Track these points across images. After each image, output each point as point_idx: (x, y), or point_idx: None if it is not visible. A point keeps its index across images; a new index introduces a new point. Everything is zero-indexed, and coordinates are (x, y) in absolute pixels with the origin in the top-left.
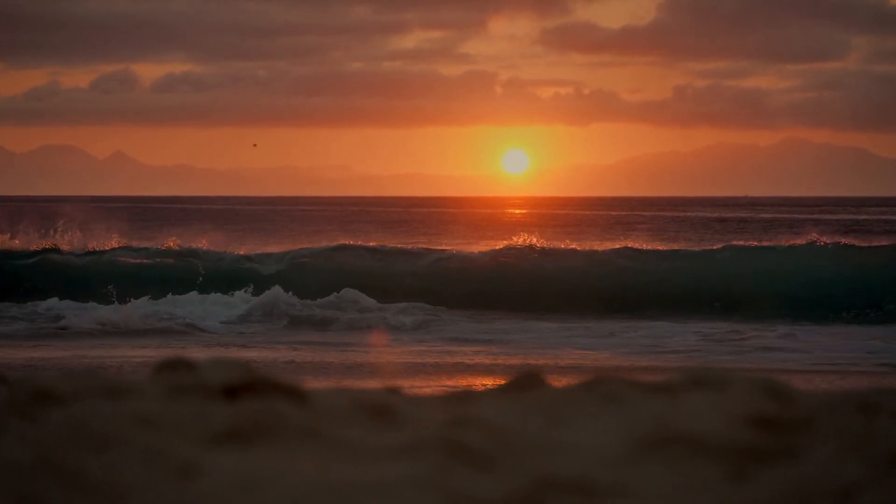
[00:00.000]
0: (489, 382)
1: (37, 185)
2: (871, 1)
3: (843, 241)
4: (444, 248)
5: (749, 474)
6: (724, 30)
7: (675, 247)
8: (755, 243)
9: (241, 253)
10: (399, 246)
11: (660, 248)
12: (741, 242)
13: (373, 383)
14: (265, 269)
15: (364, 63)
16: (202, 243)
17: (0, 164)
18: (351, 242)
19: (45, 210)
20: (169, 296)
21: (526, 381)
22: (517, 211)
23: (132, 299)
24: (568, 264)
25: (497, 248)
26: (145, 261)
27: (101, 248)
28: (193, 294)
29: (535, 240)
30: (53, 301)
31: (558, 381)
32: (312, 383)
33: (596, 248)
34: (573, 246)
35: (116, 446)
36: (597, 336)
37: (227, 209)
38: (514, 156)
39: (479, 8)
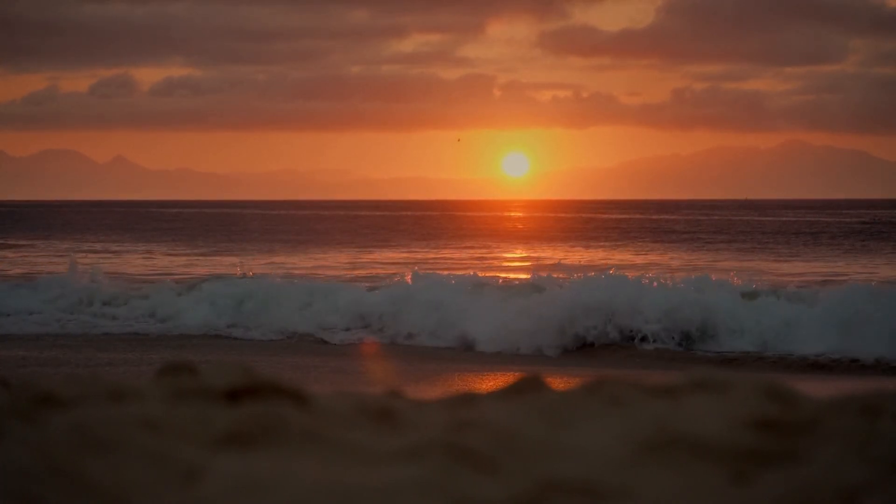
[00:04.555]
0: (492, 385)
1: (38, 189)
2: (869, 3)
3: None
4: None
5: (752, 477)
6: (722, 32)
7: None
8: None
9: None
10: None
11: None
12: None
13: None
14: None
15: (363, 67)
16: None
17: (1, 169)
18: None
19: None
20: None
21: (528, 384)
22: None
23: None
24: None
25: None
26: None
27: None
28: None
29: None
30: None
31: (560, 384)
32: (314, 386)
33: None
34: None
35: (119, 450)
36: None
37: (240, 214)
38: (514, 159)
39: (477, 11)
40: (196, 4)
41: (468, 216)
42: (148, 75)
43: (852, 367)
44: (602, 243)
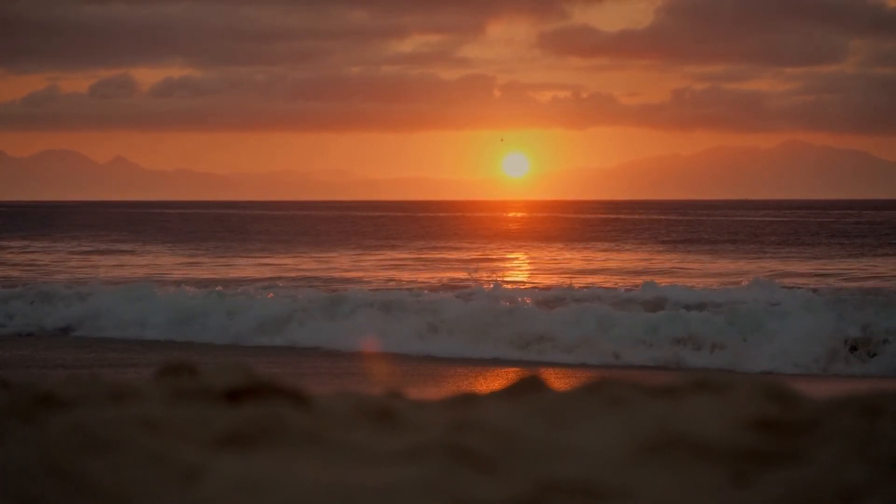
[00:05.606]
0: (492, 386)
1: (38, 190)
2: (869, 3)
3: None
4: None
5: (752, 477)
6: (721, 33)
7: None
8: None
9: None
10: None
11: None
12: None
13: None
14: None
15: (362, 67)
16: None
17: (1, 170)
18: None
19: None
20: None
21: (528, 385)
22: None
23: None
24: None
25: None
26: None
27: None
28: None
29: None
30: None
31: (561, 385)
32: (315, 387)
33: None
34: None
35: (119, 450)
36: None
37: (248, 214)
38: (514, 159)
39: (477, 12)
40: (196, 5)
41: (466, 217)
42: (148, 76)
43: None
44: (591, 244)
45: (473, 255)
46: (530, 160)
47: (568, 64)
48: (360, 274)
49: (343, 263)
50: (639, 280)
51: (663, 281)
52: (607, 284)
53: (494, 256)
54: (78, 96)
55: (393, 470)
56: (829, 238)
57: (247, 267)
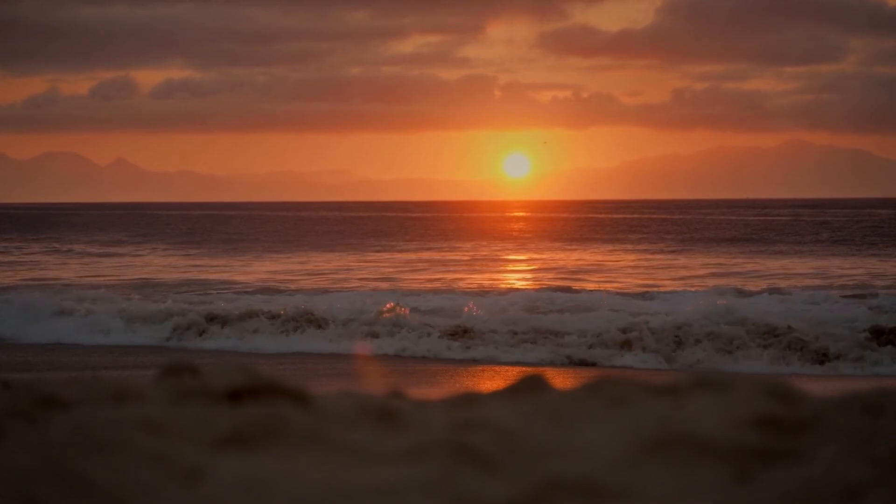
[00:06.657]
0: (494, 385)
1: (39, 192)
2: (869, 3)
3: None
4: None
5: (754, 475)
6: (721, 32)
7: None
8: None
9: None
10: None
11: None
12: None
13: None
14: None
15: (362, 68)
16: None
17: (2, 172)
18: None
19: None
20: None
21: (530, 384)
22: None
23: None
24: None
25: None
26: None
27: None
28: None
29: None
30: None
31: (563, 383)
32: (316, 387)
33: None
34: None
35: (121, 451)
36: None
37: (247, 215)
38: (515, 160)
39: (477, 12)
40: (196, 6)
41: (466, 217)
42: (148, 77)
43: None
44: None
45: (467, 255)
46: (531, 160)
47: (568, 64)
48: (346, 276)
49: (319, 267)
50: (637, 280)
51: (666, 282)
52: (608, 285)
53: (488, 257)
54: (78, 98)
55: (395, 469)
56: (830, 236)
57: (232, 269)
